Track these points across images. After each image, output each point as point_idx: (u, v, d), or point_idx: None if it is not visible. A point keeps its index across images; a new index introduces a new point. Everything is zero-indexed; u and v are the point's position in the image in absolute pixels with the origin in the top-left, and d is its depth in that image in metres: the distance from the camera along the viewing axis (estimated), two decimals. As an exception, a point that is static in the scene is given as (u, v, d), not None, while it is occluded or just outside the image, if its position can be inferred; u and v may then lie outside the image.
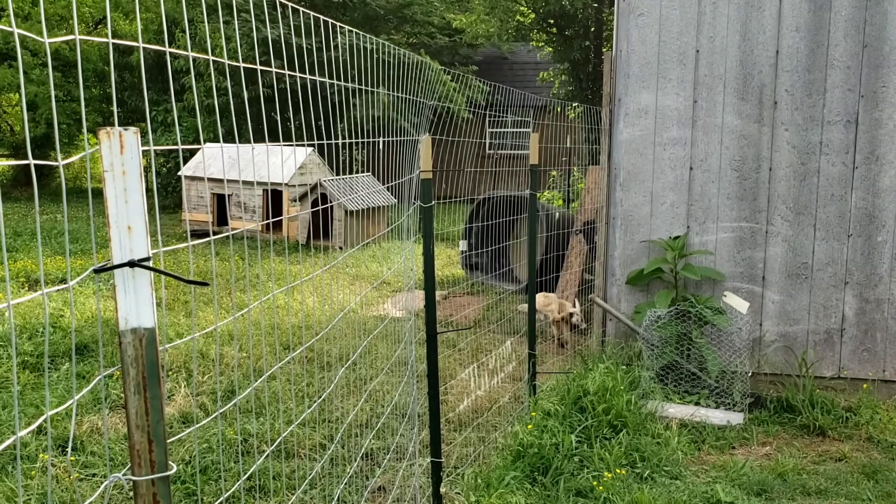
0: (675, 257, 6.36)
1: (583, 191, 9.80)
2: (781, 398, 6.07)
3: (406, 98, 4.07)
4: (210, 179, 14.42)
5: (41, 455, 4.85)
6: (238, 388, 5.89)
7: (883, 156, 6.20)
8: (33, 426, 1.71)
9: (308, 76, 2.81)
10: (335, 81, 3.21)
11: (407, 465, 4.57)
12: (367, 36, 3.61)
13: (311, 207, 13.18)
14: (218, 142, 15.23)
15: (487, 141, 22.38)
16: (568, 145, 11.60)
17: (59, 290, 1.56)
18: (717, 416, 5.81)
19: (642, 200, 6.62)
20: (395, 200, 11.45)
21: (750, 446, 5.50)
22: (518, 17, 19.98)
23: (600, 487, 4.53)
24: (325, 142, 3.15)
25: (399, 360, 4.75)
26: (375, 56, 3.62)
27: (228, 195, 14.22)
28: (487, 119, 21.92)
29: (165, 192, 18.15)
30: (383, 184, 12.44)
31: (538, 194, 6.25)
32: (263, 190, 13.96)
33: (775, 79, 6.32)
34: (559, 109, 16.20)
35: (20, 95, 23.79)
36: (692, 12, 6.41)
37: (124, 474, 1.69)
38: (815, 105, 6.27)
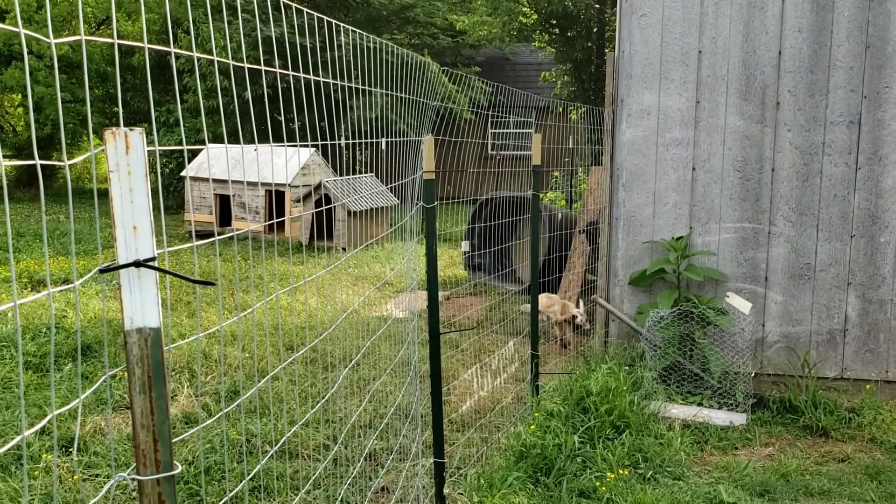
0: (678, 258, 6.36)
1: (585, 191, 9.80)
2: (784, 399, 6.07)
3: (408, 98, 4.07)
4: (213, 180, 14.44)
5: (44, 455, 4.86)
6: (241, 388, 5.90)
7: (886, 156, 6.20)
8: (38, 426, 1.72)
9: (312, 76, 2.81)
10: (338, 82, 3.21)
11: (410, 465, 4.57)
12: (370, 36, 3.61)
13: (314, 208, 13.19)
14: (216, 142, 15.26)
15: (490, 142, 22.38)
16: (570, 146, 11.60)
17: (63, 290, 1.56)
18: (720, 417, 5.81)
19: (645, 201, 6.62)
20: (398, 201, 11.46)
21: (753, 447, 5.50)
22: (520, 17, 19.98)
23: (603, 488, 4.53)
24: (328, 142, 3.15)
25: (402, 360, 4.75)
26: (378, 56, 3.62)
27: (232, 195, 14.23)
28: (490, 120, 21.92)
29: (167, 192, 18.17)
30: (386, 184, 12.44)
31: (541, 195, 6.25)
32: (266, 191, 13.97)
33: (778, 79, 6.32)
34: (561, 110, 16.19)
35: (27, 97, 23.84)
36: (694, 13, 6.41)
37: (129, 474, 1.70)
38: (818, 106, 6.27)
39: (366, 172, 14.75)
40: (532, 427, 4.99)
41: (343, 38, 3.42)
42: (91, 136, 1.64)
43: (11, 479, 4.61)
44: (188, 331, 7.70)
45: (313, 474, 4.64)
